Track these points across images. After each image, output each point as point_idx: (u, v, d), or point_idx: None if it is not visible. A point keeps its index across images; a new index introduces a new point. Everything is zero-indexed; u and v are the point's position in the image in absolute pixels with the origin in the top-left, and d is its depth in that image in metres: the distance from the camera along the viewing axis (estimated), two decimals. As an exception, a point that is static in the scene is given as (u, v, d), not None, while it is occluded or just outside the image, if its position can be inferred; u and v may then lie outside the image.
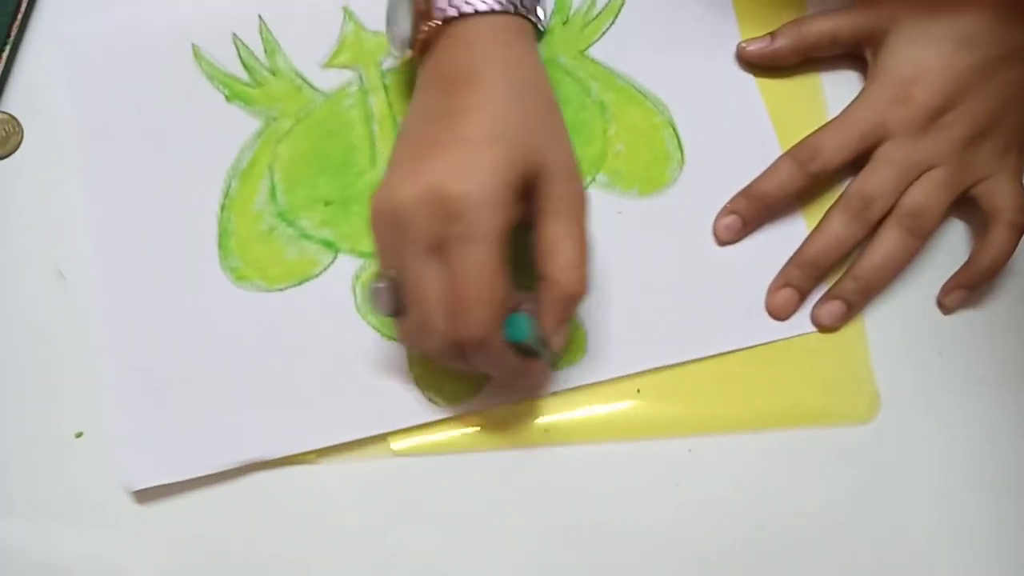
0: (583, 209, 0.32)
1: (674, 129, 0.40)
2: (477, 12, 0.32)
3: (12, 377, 0.35)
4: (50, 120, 0.38)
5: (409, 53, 0.35)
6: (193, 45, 0.40)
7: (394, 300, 0.31)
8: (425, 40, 0.33)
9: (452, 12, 0.32)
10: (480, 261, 0.29)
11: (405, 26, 0.34)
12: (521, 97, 0.32)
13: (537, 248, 0.31)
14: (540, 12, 0.35)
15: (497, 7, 0.33)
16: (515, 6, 0.33)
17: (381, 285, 0.31)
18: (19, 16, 0.39)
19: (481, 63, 0.32)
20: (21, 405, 0.35)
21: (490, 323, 0.30)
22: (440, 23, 0.33)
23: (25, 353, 0.36)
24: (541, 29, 0.35)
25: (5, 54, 0.38)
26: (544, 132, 0.32)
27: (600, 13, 0.42)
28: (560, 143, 0.33)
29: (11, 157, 0.38)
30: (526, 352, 0.32)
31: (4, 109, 0.38)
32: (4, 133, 0.38)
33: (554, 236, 0.31)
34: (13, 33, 0.39)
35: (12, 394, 0.35)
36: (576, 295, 0.31)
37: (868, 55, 0.40)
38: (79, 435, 0.35)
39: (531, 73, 0.33)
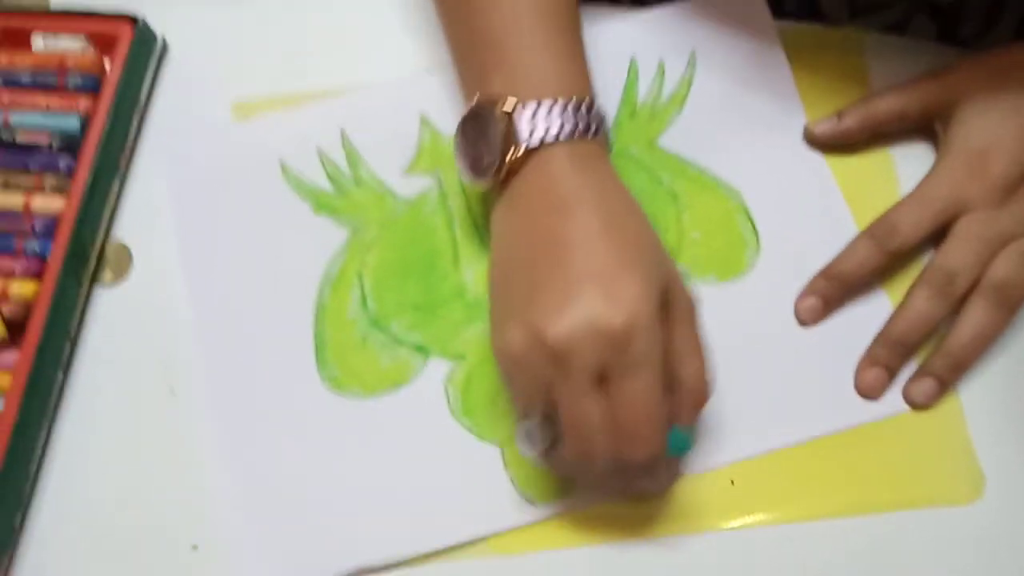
0: (698, 314, 0.33)
1: (748, 214, 0.41)
2: (560, 139, 0.33)
3: (130, 493, 0.37)
4: (157, 246, 0.41)
5: (489, 182, 0.35)
6: (281, 161, 0.42)
7: (548, 436, 0.32)
8: (511, 168, 0.34)
9: (535, 142, 0.33)
10: (648, 386, 0.30)
11: (486, 155, 0.35)
12: (624, 220, 0.33)
13: (669, 356, 0.32)
14: (608, 131, 0.36)
15: (579, 131, 0.33)
16: (595, 128, 0.34)
17: (533, 424, 0.32)
18: (128, 150, 0.42)
19: (576, 192, 0.33)
20: (140, 519, 0.37)
21: (660, 444, 0.31)
22: (525, 151, 0.33)
23: (140, 470, 0.37)
24: (612, 145, 0.36)
25: (116, 186, 0.41)
26: (655, 247, 0.33)
27: (667, 103, 0.43)
28: (668, 257, 0.34)
29: (123, 282, 0.40)
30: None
31: (116, 237, 0.41)
32: (117, 260, 0.40)
33: (683, 345, 0.32)
34: (123, 165, 0.42)
35: (130, 509, 0.37)
36: (707, 398, 0.33)
37: (938, 128, 0.40)
38: (195, 547, 0.36)
39: (621, 194, 0.34)
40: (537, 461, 0.36)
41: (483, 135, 0.35)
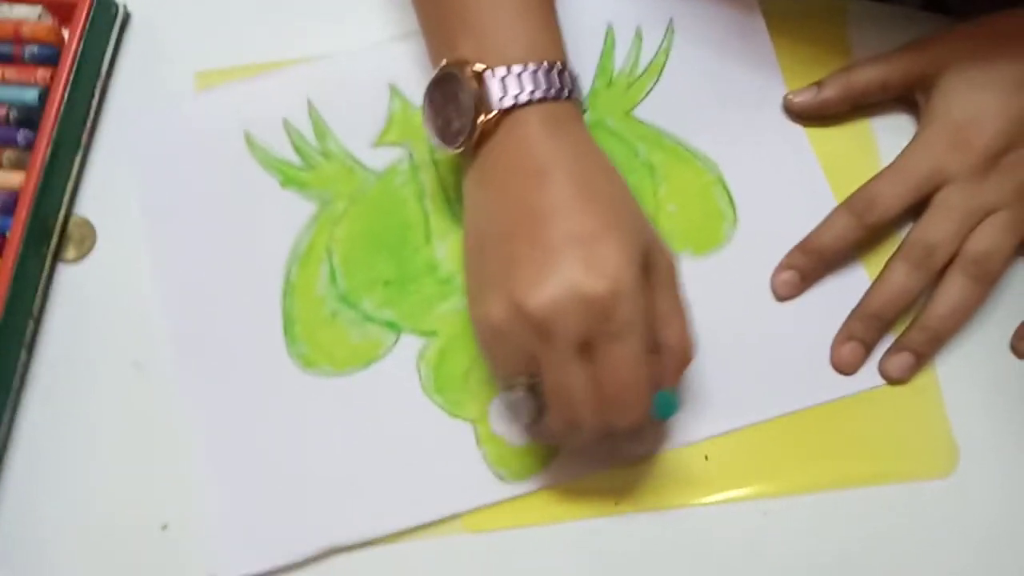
0: (678, 275, 0.33)
1: (725, 186, 0.40)
2: (532, 101, 0.32)
3: (96, 471, 0.37)
4: (122, 221, 0.40)
5: (460, 148, 0.34)
6: (246, 133, 0.41)
7: (533, 407, 0.32)
8: (483, 132, 0.33)
9: (508, 102, 0.32)
10: (633, 352, 0.30)
11: (456, 120, 0.34)
12: (601, 184, 0.32)
13: (651, 320, 0.31)
14: (581, 92, 0.35)
15: (552, 94, 0.33)
16: (566, 91, 0.33)
17: (519, 395, 0.32)
18: (88, 123, 0.41)
19: (550, 156, 0.32)
20: (108, 499, 0.36)
21: (646, 409, 0.31)
22: (497, 114, 0.33)
23: (107, 449, 0.37)
24: (586, 109, 0.35)
25: (78, 160, 0.40)
26: (634, 210, 0.33)
27: (644, 73, 0.42)
28: (647, 219, 0.33)
29: (87, 258, 0.39)
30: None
31: (78, 212, 0.40)
32: (79, 236, 0.39)
33: (665, 308, 0.32)
34: (84, 139, 0.41)
35: (97, 488, 0.36)
36: (691, 359, 0.33)
37: (920, 99, 0.39)
38: (164, 527, 0.36)
39: (597, 157, 0.33)
40: (521, 432, 0.35)
41: (452, 100, 0.34)
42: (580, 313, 0.29)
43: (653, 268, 0.32)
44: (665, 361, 0.32)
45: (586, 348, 0.30)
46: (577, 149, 0.33)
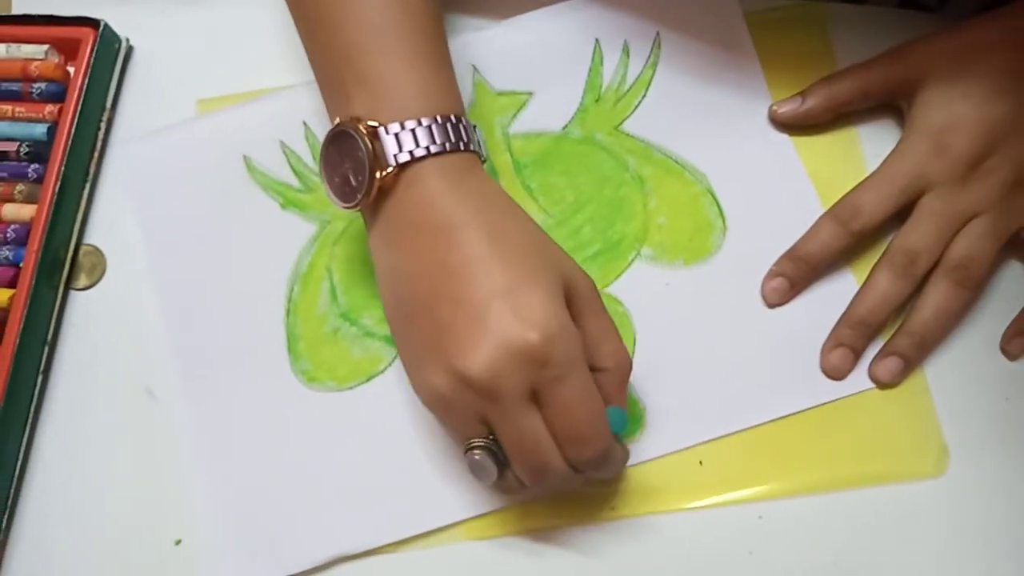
0: (599, 294, 0.34)
1: (714, 197, 0.41)
2: (430, 154, 0.32)
3: (112, 491, 0.38)
4: (130, 248, 0.41)
5: (360, 205, 0.33)
6: (245, 157, 0.42)
7: (496, 463, 0.32)
8: (380, 188, 0.32)
9: (404, 157, 0.32)
10: (580, 387, 0.31)
11: (352, 177, 0.33)
12: (510, 231, 0.32)
13: (586, 346, 0.32)
14: (479, 142, 0.35)
15: (447, 148, 0.32)
16: (463, 143, 0.33)
17: (478, 456, 0.32)
18: (95, 154, 0.42)
19: (455, 210, 0.32)
20: (122, 516, 0.38)
21: (607, 436, 0.32)
22: (395, 169, 0.32)
23: (122, 468, 0.38)
24: (483, 159, 0.35)
25: (86, 190, 0.42)
26: (545, 247, 0.33)
27: (631, 88, 0.43)
28: (558, 249, 0.34)
29: (97, 286, 0.41)
30: None
31: (88, 241, 0.42)
32: (90, 264, 0.41)
33: (595, 331, 0.33)
34: (91, 169, 0.42)
35: (114, 507, 0.38)
36: (629, 372, 0.34)
37: (902, 105, 0.40)
38: (178, 542, 0.37)
39: (500, 202, 0.33)
40: (495, 489, 0.36)
41: (348, 156, 0.33)
42: (520, 367, 0.30)
43: (575, 296, 0.32)
44: (608, 380, 0.33)
45: (533, 395, 0.30)
46: (480, 200, 0.33)
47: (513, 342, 0.30)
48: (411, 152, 0.32)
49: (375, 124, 0.32)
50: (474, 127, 0.34)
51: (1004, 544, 0.36)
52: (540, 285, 0.31)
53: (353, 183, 0.33)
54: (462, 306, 0.31)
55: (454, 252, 0.31)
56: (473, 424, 0.32)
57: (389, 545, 0.37)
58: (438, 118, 0.33)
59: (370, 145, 0.32)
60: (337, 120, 0.34)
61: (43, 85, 0.41)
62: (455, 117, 0.33)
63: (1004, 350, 0.38)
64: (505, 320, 0.30)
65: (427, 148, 0.32)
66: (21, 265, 0.39)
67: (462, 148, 0.33)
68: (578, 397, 0.30)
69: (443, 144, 0.32)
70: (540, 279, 0.31)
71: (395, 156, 0.32)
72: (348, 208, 0.34)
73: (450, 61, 0.36)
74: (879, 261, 0.38)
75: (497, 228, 0.32)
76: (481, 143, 0.35)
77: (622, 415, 0.33)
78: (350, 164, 0.33)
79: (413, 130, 0.32)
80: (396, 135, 0.32)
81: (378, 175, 0.32)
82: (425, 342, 0.32)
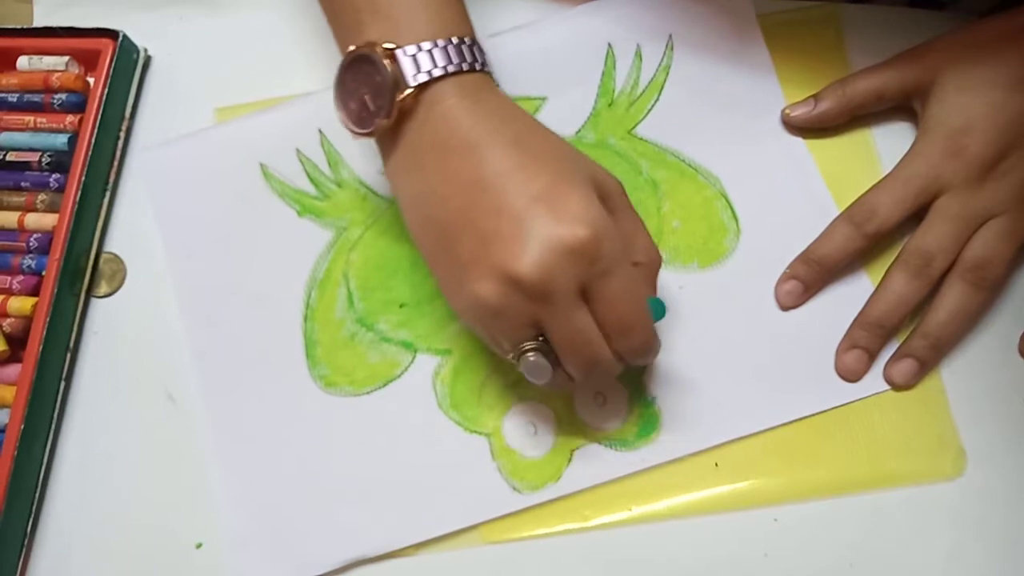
0: (627, 193, 0.35)
1: (727, 200, 0.41)
2: (447, 74, 0.33)
3: (134, 496, 0.39)
4: (150, 255, 0.42)
5: (379, 129, 0.34)
6: (261, 165, 0.43)
7: (547, 361, 0.33)
8: (400, 111, 0.33)
9: (423, 77, 0.32)
10: (627, 280, 0.31)
11: (371, 101, 0.34)
12: (534, 141, 0.33)
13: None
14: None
15: (464, 67, 0.33)
16: (478, 64, 0.34)
17: (533, 358, 0.32)
18: (115, 163, 0.43)
19: (478, 128, 0.32)
20: (145, 520, 0.38)
21: (651, 325, 0.33)
22: (414, 90, 0.33)
23: (144, 472, 0.39)
24: (496, 81, 0.36)
25: (106, 199, 0.42)
26: (571, 152, 0.34)
27: (644, 92, 0.43)
28: (581, 153, 0.34)
29: (117, 293, 0.41)
30: None
31: (108, 249, 0.42)
32: (110, 271, 0.42)
33: (628, 228, 0.34)
34: (111, 178, 0.43)
35: (135, 511, 0.38)
36: (660, 265, 0.35)
37: (917, 107, 0.40)
38: (199, 546, 0.38)
39: (519, 116, 0.34)
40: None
41: (365, 82, 0.34)
42: (571, 264, 0.30)
43: (606, 196, 0.33)
44: (641, 274, 0.34)
45: (583, 291, 0.31)
46: (503, 114, 0.33)
47: (564, 239, 0.30)
48: (429, 72, 0.33)
49: (392, 46, 0.33)
50: (485, 52, 0.35)
51: (1021, 547, 0.36)
52: (576, 186, 0.31)
53: (372, 107, 0.34)
54: (504, 214, 0.31)
55: (485, 166, 0.32)
56: (523, 329, 0.32)
57: (406, 548, 0.37)
58: (453, 39, 0.33)
59: (389, 67, 0.33)
60: (352, 47, 0.34)
61: (64, 96, 0.42)
62: (469, 39, 0.34)
63: (1021, 352, 0.38)
64: (551, 221, 0.30)
65: (445, 68, 0.33)
66: (43, 274, 0.39)
67: (478, 69, 0.34)
68: (625, 290, 0.31)
69: (459, 64, 0.33)
70: (575, 180, 0.31)
71: (414, 76, 0.32)
72: (364, 135, 0.34)
73: None
74: (894, 262, 0.38)
75: (523, 139, 0.33)
76: (491, 66, 0.35)
77: (660, 304, 0.34)
78: (367, 89, 0.34)
79: (430, 51, 0.33)
80: (414, 56, 0.33)
81: (398, 97, 0.33)
82: (469, 255, 0.32)
